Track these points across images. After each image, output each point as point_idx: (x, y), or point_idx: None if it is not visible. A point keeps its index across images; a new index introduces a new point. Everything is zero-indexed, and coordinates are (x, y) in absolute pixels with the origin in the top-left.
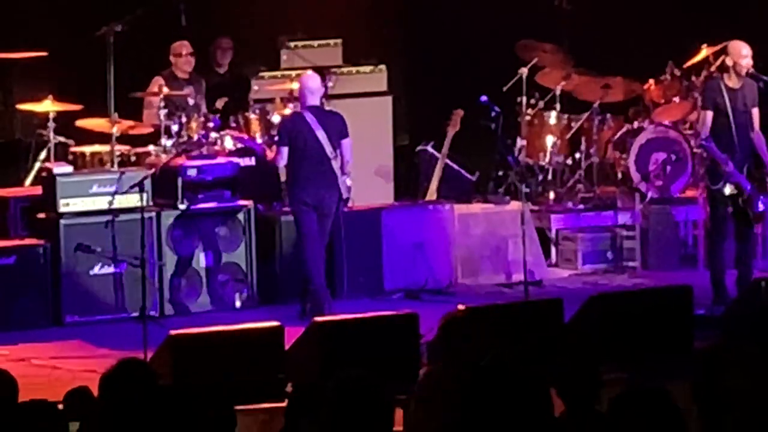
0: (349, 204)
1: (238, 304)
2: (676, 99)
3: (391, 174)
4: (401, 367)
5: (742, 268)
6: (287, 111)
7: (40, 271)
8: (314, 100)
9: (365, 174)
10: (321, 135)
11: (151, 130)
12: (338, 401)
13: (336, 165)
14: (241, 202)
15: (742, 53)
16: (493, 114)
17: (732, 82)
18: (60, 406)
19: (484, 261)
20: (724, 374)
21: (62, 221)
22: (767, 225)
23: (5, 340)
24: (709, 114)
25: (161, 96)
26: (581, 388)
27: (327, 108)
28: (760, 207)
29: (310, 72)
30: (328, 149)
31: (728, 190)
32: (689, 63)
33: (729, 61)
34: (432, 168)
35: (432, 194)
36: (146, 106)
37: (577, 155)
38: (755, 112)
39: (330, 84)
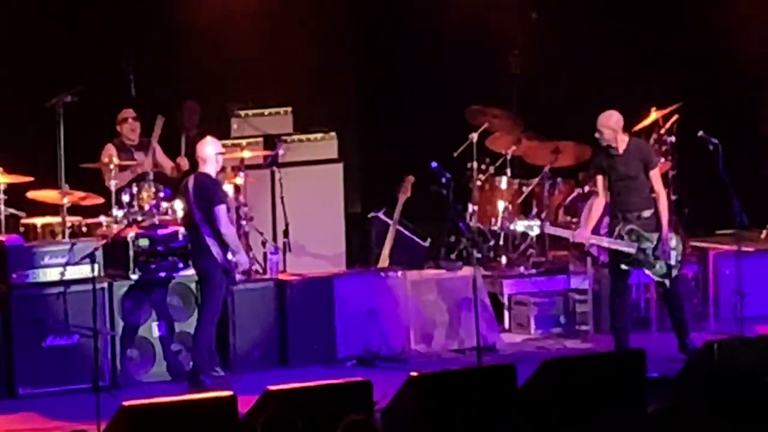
0: (237, 278)
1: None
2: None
3: (343, 241)
4: None
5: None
6: (238, 180)
7: None
8: (202, 167)
9: (317, 241)
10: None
11: (102, 200)
12: None
13: (206, 232)
14: (193, 272)
15: (600, 125)
16: (443, 180)
17: (613, 148)
18: None
19: (437, 327)
20: None
21: (14, 293)
22: (719, 289)
23: None
24: (599, 178)
25: (112, 167)
26: None
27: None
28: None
29: (207, 137)
30: (196, 215)
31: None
32: (639, 126)
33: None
34: (384, 234)
35: (384, 261)
36: (109, 177)
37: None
38: (652, 174)
39: (281, 152)
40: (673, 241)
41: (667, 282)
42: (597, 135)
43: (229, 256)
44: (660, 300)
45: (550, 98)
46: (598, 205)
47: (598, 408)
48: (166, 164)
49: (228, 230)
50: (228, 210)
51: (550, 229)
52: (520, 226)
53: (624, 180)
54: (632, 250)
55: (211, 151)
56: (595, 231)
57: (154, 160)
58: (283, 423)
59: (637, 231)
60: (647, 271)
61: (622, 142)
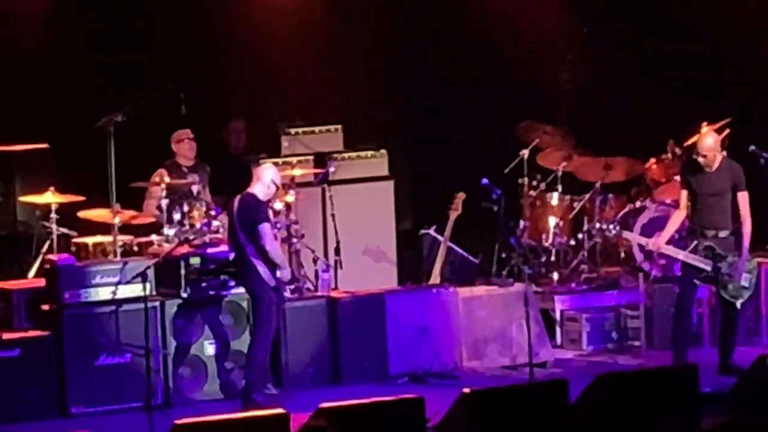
0: (286, 295)
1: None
2: (677, 177)
3: (395, 258)
4: None
5: (722, 350)
6: (289, 197)
7: (44, 363)
8: (252, 187)
9: (368, 259)
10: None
11: (153, 219)
12: None
13: (251, 252)
14: (245, 290)
15: (699, 149)
16: (494, 196)
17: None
18: None
19: (488, 343)
20: None
21: (66, 312)
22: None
23: None
24: (684, 193)
25: (163, 186)
26: None
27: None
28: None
29: (269, 164)
30: (241, 236)
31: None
32: (690, 141)
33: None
34: (435, 251)
35: (435, 278)
36: (147, 196)
37: (580, 236)
38: (740, 197)
39: (332, 170)
40: (750, 264)
41: (738, 303)
42: (700, 160)
43: (277, 273)
44: (723, 319)
45: (601, 114)
46: (677, 218)
47: (651, 424)
48: (208, 200)
49: (272, 247)
50: (278, 229)
51: (627, 234)
52: (598, 225)
53: (709, 197)
54: (707, 267)
55: (267, 176)
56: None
57: (199, 188)
58: None
59: (713, 248)
60: (722, 292)
61: (717, 160)
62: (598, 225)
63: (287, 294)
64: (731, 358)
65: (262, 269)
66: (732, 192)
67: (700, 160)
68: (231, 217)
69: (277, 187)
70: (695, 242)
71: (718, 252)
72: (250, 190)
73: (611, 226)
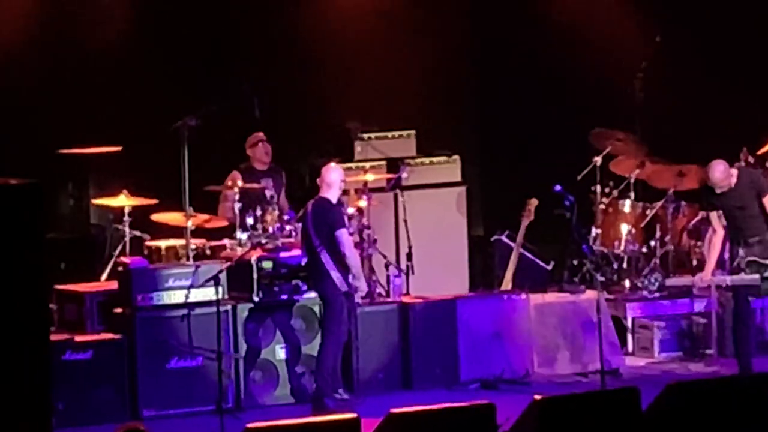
0: (358, 301)
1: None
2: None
3: (466, 264)
4: None
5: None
6: (362, 203)
7: (116, 366)
8: (323, 192)
9: (440, 264)
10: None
11: (226, 223)
12: None
13: (324, 257)
14: (316, 295)
15: (708, 178)
16: (567, 203)
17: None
18: None
19: (560, 350)
20: None
21: (138, 315)
22: None
23: None
24: (713, 215)
25: (236, 189)
26: None
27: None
28: None
29: (332, 163)
30: (315, 240)
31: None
32: (763, 150)
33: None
34: (507, 257)
35: (507, 284)
36: (222, 200)
37: (652, 243)
38: (766, 200)
39: (404, 175)
40: None
41: None
42: (717, 191)
43: (350, 279)
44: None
45: (674, 121)
46: (716, 241)
47: None
48: (282, 200)
49: (351, 253)
50: (350, 234)
51: (671, 281)
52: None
53: (737, 211)
54: (757, 282)
55: (335, 177)
56: (721, 253)
57: (273, 191)
58: None
59: (756, 261)
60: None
61: (733, 177)
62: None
63: (358, 300)
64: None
65: (335, 274)
66: (758, 198)
67: (718, 191)
68: (305, 222)
69: (344, 182)
70: (739, 256)
71: (762, 263)
72: (322, 194)
73: (654, 278)
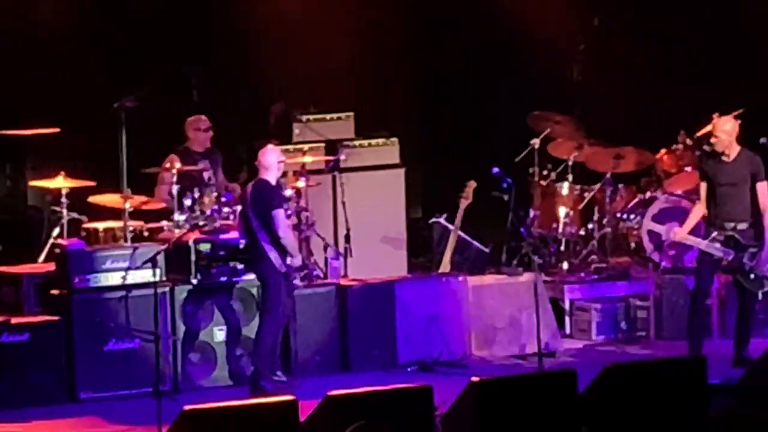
0: (296, 282)
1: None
2: (688, 168)
3: (405, 246)
4: None
5: (738, 339)
6: (300, 184)
7: (54, 348)
8: (262, 174)
9: (378, 246)
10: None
11: (164, 205)
12: None
13: (263, 238)
14: (254, 277)
15: (715, 130)
16: (505, 185)
17: (720, 154)
18: None
19: (498, 332)
20: None
21: (75, 297)
22: None
23: (19, 416)
24: (703, 185)
25: (174, 171)
26: None
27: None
28: (759, 270)
29: (269, 145)
30: (254, 222)
31: (714, 252)
32: (701, 132)
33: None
34: (445, 240)
35: (445, 266)
36: (159, 182)
37: (590, 226)
38: (760, 187)
39: (343, 157)
40: None
41: (760, 294)
42: (713, 140)
43: (288, 260)
44: (740, 309)
45: (612, 104)
46: (698, 211)
47: (659, 414)
48: (220, 181)
49: (285, 234)
50: (288, 216)
51: (648, 224)
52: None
53: (727, 187)
54: (728, 257)
55: (272, 159)
56: (659, 235)
57: (210, 174)
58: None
59: (736, 239)
60: (743, 281)
61: (734, 149)
62: (618, 215)
63: (297, 282)
64: (747, 350)
65: (274, 255)
66: (751, 182)
67: (713, 140)
68: (244, 204)
69: (282, 164)
70: (714, 233)
71: (741, 242)
72: (262, 176)
73: (632, 216)
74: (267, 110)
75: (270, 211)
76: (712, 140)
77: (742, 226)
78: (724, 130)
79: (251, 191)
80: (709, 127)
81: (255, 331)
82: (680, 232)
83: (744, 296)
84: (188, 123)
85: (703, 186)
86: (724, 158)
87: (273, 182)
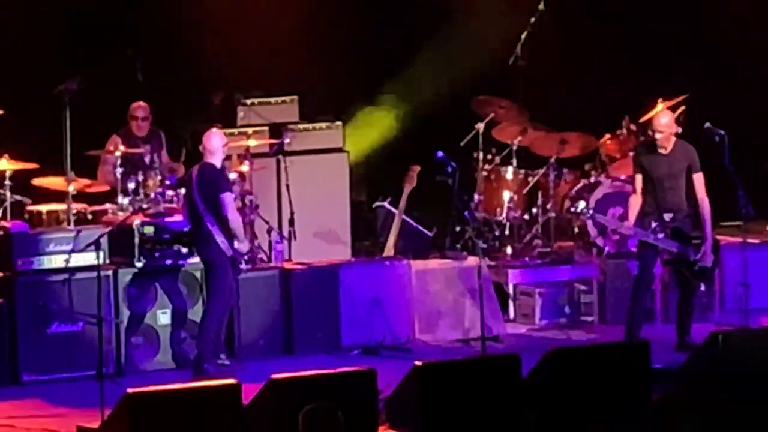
0: (242, 267)
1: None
2: (632, 153)
3: (348, 230)
4: (359, 424)
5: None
6: (244, 168)
7: None
8: (207, 158)
9: (322, 230)
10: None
11: (108, 188)
12: None
13: (210, 222)
14: (198, 260)
15: (655, 125)
16: (449, 169)
17: (659, 146)
18: None
19: (441, 317)
20: (677, 423)
21: (19, 280)
22: (724, 281)
23: None
24: (638, 177)
25: (118, 154)
26: None
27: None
28: (704, 262)
29: (213, 129)
30: (200, 206)
31: (664, 246)
32: (645, 118)
33: (650, 131)
34: (389, 224)
35: (389, 250)
36: (101, 162)
37: (534, 210)
38: (695, 178)
39: (287, 141)
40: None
41: (702, 285)
42: (657, 135)
43: (235, 244)
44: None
45: (557, 89)
46: (635, 203)
47: (602, 398)
48: (165, 163)
49: (234, 216)
50: (234, 198)
51: (600, 218)
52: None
53: (665, 179)
54: (675, 250)
55: (216, 143)
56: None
57: (153, 157)
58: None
59: (679, 230)
60: (687, 273)
61: (671, 142)
62: (567, 205)
63: (243, 266)
64: (689, 335)
65: (220, 239)
66: (687, 173)
67: (657, 137)
68: (189, 187)
69: (227, 146)
70: (655, 224)
71: (684, 233)
72: (208, 160)
73: (580, 208)
74: (210, 94)
75: (218, 194)
76: (657, 135)
77: (681, 216)
78: (663, 124)
79: (197, 175)
80: (651, 113)
81: (198, 314)
82: (632, 227)
83: (686, 286)
84: (129, 109)
85: (639, 178)
86: (661, 150)
87: (218, 165)
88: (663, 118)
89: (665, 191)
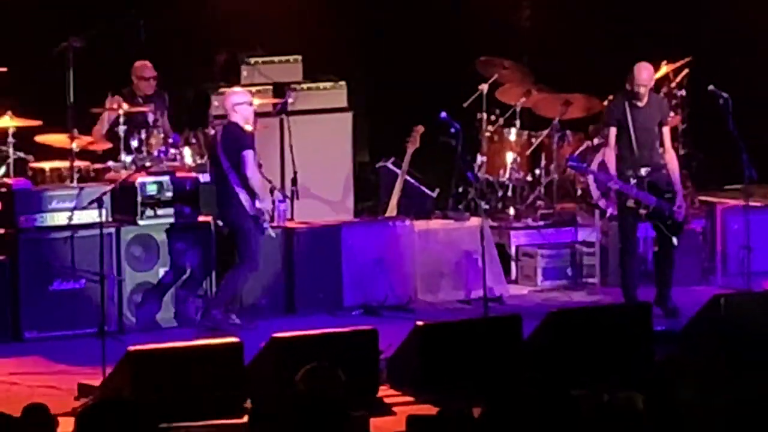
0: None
1: (198, 319)
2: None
3: (351, 190)
4: (360, 383)
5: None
6: (247, 127)
7: None
8: (231, 117)
9: (325, 190)
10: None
11: (110, 146)
12: (296, 415)
13: (233, 180)
14: (201, 218)
15: (637, 80)
16: (453, 130)
17: (636, 99)
18: None
19: (443, 277)
20: (678, 385)
21: (21, 237)
22: (727, 244)
23: None
24: (612, 130)
25: (121, 112)
26: (543, 404)
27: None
28: (677, 217)
29: (234, 88)
30: (225, 164)
31: (630, 203)
32: None
33: (628, 86)
34: (392, 184)
35: (392, 210)
36: (99, 121)
37: (537, 172)
38: (665, 131)
39: (290, 100)
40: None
41: (675, 240)
42: (641, 90)
43: (257, 203)
44: (661, 255)
45: (561, 50)
46: (612, 156)
47: (603, 360)
48: (166, 128)
49: (254, 174)
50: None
51: (590, 171)
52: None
53: (642, 132)
54: (653, 204)
55: (236, 101)
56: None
57: (156, 116)
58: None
59: (656, 185)
60: (662, 228)
61: (646, 95)
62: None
63: (266, 225)
64: (671, 301)
65: (244, 197)
66: (658, 126)
67: (640, 90)
68: (214, 147)
69: (251, 103)
70: (633, 180)
71: (659, 187)
72: (230, 119)
73: (575, 163)
74: (213, 53)
75: (240, 151)
76: (640, 89)
77: (656, 170)
78: (646, 78)
79: (222, 134)
80: (658, 74)
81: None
82: (616, 179)
83: (663, 242)
84: (133, 68)
85: (613, 131)
86: (638, 103)
87: (242, 124)
88: (645, 72)
89: (640, 145)
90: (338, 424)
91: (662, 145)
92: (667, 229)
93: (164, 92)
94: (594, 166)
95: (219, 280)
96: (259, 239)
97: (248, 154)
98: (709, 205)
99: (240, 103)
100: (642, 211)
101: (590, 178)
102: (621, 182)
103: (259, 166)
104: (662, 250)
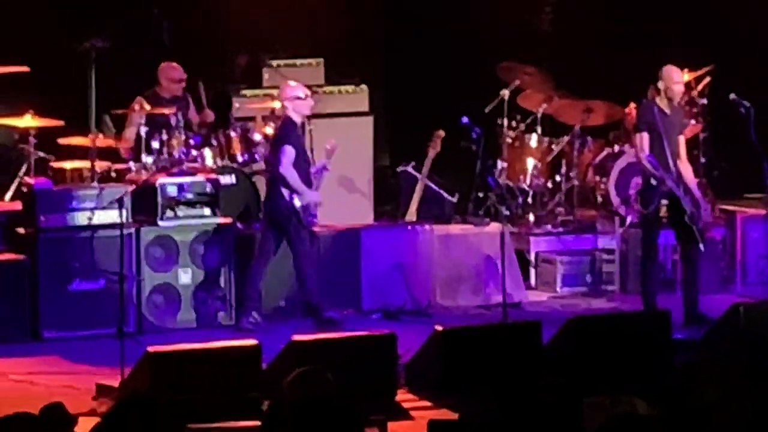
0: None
1: (217, 321)
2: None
3: (371, 194)
4: (378, 387)
5: (688, 290)
6: (268, 130)
7: (18, 286)
8: (287, 111)
9: (345, 194)
10: None
11: (131, 145)
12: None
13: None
14: (221, 220)
15: (674, 79)
16: (474, 135)
17: (664, 105)
18: None
19: (462, 282)
20: (698, 393)
21: (42, 236)
22: (747, 253)
23: None
24: (645, 135)
25: (143, 113)
26: (561, 410)
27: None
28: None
29: (288, 81)
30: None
31: (663, 211)
32: None
33: (661, 85)
34: (412, 189)
35: (412, 215)
36: (128, 124)
37: (558, 178)
38: (681, 140)
39: (312, 103)
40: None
41: (702, 246)
42: (675, 90)
43: (295, 199)
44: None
45: (583, 57)
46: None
47: (622, 368)
48: (194, 119)
49: (285, 170)
50: (297, 154)
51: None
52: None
53: (670, 137)
54: (688, 209)
55: (286, 95)
56: (626, 189)
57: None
58: (314, 377)
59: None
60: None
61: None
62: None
63: (309, 220)
64: (698, 308)
65: (286, 192)
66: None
67: (675, 89)
68: (271, 143)
69: (305, 96)
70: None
71: (677, 196)
72: (284, 113)
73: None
74: (235, 55)
75: (280, 145)
76: (677, 88)
77: (680, 177)
78: (680, 78)
79: (275, 127)
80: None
81: (220, 274)
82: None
83: (692, 248)
84: (161, 69)
85: (646, 136)
86: (666, 110)
87: (294, 118)
88: (676, 72)
89: (668, 151)
90: (358, 429)
91: (678, 155)
92: (699, 234)
93: (188, 94)
94: (615, 173)
95: (238, 283)
96: (305, 231)
97: (285, 149)
98: (730, 214)
99: (291, 97)
100: (672, 218)
101: (610, 185)
102: (675, 184)
103: (307, 162)
104: (692, 255)
